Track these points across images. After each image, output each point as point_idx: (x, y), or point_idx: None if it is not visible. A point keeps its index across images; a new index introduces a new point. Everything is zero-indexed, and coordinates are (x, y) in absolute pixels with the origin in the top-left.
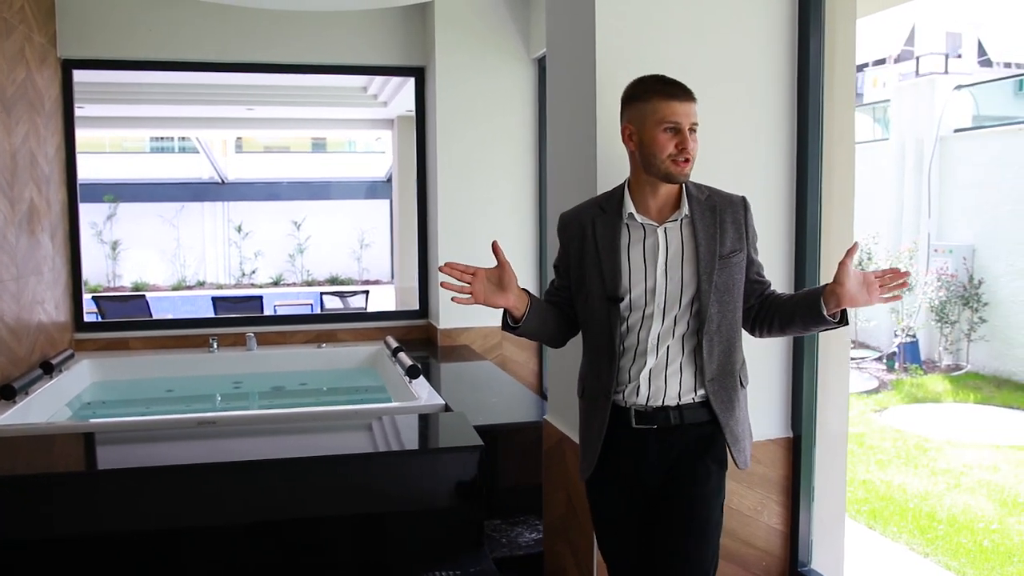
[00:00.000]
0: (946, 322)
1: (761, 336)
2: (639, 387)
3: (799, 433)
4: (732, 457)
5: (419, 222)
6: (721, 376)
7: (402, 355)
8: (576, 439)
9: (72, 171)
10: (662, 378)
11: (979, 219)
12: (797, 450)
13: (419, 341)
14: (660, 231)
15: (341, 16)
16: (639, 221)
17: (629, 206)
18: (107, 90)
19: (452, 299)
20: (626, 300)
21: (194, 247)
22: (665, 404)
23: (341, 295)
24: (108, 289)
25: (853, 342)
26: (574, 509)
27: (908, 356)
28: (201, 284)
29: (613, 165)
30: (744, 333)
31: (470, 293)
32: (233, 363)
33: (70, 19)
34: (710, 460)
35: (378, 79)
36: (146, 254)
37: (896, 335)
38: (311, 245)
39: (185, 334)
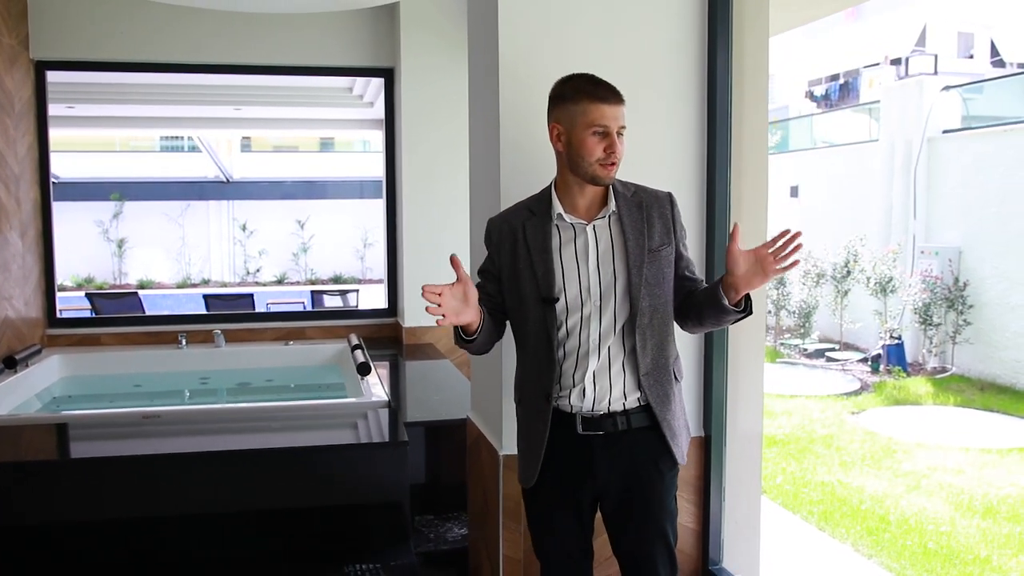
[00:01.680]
0: (929, 324)
1: (690, 330)
2: (584, 390)
3: (710, 433)
4: (672, 457)
5: (387, 222)
6: (655, 370)
7: (357, 352)
8: (492, 440)
9: (45, 170)
10: (606, 379)
11: (966, 221)
12: (708, 449)
13: (388, 339)
14: (589, 229)
15: (312, 18)
16: (568, 221)
17: (557, 207)
18: (93, 90)
19: (437, 323)
20: (562, 301)
21: (199, 245)
22: (611, 410)
23: (333, 293)
24: (114, 286)
25: (839, 344)
26: (486, 506)
27: (893, 358)
28: (205, 282)
29: (516, 167)
30: (677, 328)
31: (442, 314)
32: (201, 359)
33: (44, 21)
34: (661, 465)
35: (360, 80)
36: (151, 252)
37: (881, 337)
38: (316, 244)
39: (157, 330)
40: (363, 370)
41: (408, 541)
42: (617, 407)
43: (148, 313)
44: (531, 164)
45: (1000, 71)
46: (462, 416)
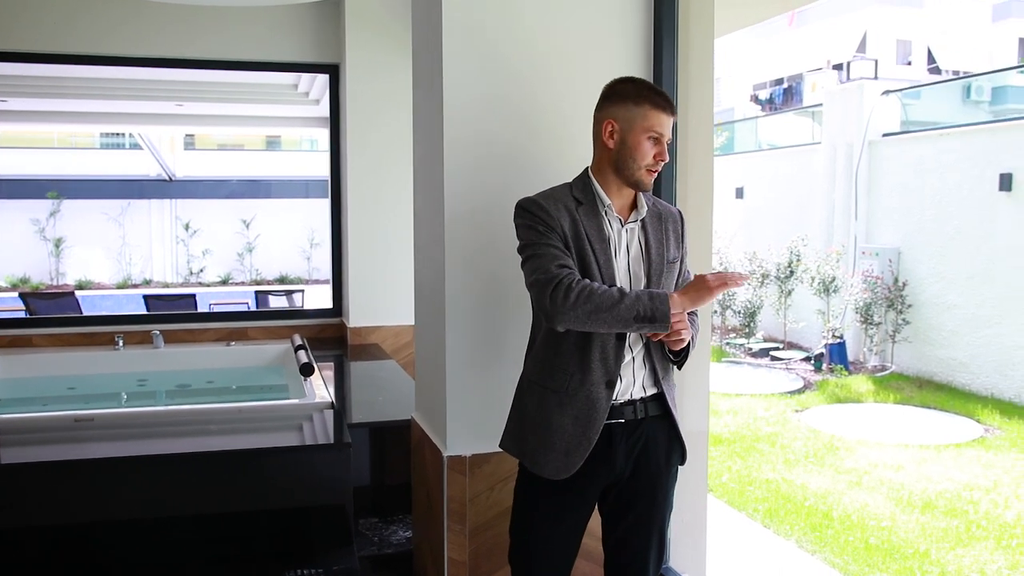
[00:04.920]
0: (870, 323)
1: None
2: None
3: None
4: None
5: (332, 220)
6: (670, 373)
7: (300, 353)
8: (436, 440)
9: None
10: (630, 371)
11: (905, 222)
12: None
13: (333, 340)
14: (624, 230)
15: (255, 12)
16: (613, 217)
17: (606, 199)
18: (28, 83)
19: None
20: None
21: (140, 245)
22: (631, 398)
23: (279, 293)
24: (50, 287)
25: (783, 343)
26: (431, 508)
27: (835, 357)
28: (147, 282)
29: (460, 160)
30: None
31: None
32: (139, 361)
33: None
34: (672, 457)
35: (306, 76)
36: (91, 252)
37: (823, 336)
38: (262, 244)
39: (93, 331)
40: (306, 371)
41: (351, 545)
42: (636, 395)
43: (86, 314)
44: (475, 162)
45: (936, 77)
46: (407, 417)
